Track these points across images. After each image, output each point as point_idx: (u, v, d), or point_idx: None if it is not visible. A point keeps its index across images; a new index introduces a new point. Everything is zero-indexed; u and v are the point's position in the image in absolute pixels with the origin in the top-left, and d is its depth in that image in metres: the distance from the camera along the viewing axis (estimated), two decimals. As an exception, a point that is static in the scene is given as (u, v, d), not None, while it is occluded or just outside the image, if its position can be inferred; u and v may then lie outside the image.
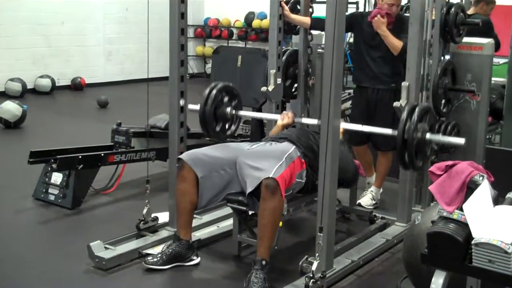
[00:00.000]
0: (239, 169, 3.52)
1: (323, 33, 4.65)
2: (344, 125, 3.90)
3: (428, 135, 3.42)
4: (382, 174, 4.80)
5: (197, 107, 4.08)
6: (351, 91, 4.96)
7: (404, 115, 3.37)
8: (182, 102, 3.91)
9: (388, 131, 3.80)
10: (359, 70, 4.71)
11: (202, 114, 4.04)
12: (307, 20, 4.69)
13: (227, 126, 4.19)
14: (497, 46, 5.37)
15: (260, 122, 5.90)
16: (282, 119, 4.12)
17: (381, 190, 4.85)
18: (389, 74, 4.50)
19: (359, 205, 4.64)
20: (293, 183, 3.54)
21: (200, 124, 4.10)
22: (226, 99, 4.15)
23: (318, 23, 4.66)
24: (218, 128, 4.12)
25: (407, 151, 3.35)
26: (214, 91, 4.05)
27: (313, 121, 4.08)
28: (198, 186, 3.59)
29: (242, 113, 4.24)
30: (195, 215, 3.86)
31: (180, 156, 3.65)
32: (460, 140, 3.48)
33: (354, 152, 4.62)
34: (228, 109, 4.14)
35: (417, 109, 3.37)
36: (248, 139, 5.84)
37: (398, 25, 4.36)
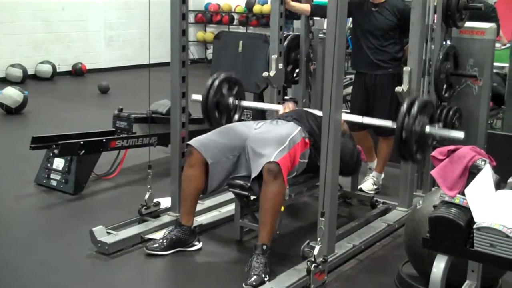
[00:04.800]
0: (247, 153, 3.54)
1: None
2: (345, 117, 3.91)
3: (427, 129, 3.42)
4: (383, 159, 4.80)
5: (199, 97, 4.09)
6: (352, 76, 4.95)
7: (403, 108, 3.38)
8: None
9: (388, 123, 3.81)
10: (356, 56, 4.69)
11: (204, 106, 4.07)
12: (307, 7, 4.68)
13: (230, 116, 4.21)
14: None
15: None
16: (284, 109, 4.14)
17: (383, 175, 4.86)
18: (385, 60, 4.48)
19: (361, 190, 4.65)
20: (297, 165, 3.55)
21: (203, 115, 4.14)
22: (228, 89, 4.16)
23: (318, 10, 4.65)
24: (221, 119, 4.13)
25: (406, 146, 3.36)
26: (216, 82, 4.06)
27: (318, 113, 4.05)
28: (206, 172, 3.60)
29: (244, 103, 4.26)
30: (197, 201, 3.87)
31: (189, 142, 3.65)
32: (459, 134, 3.47)
33: (355, 138, 4.62)
34: (231, 99, 4.16)
35: (416, 103, 3.37)
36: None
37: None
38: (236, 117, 4.25)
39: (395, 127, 3.43)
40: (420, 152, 3.48)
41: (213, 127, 4.23)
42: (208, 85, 4.08)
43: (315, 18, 4.82)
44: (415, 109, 3.36)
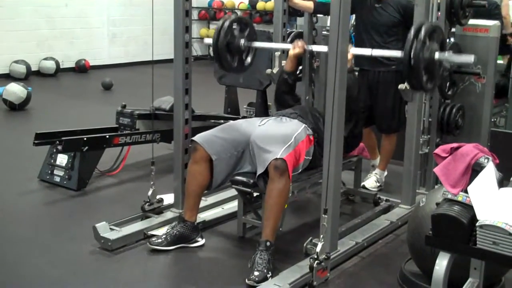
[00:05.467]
0: (252, 149, 3.55)
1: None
2: (354, 50, 3.86)
3: (437, 55, 3.22)
4: (386, 157, 4.80)
5: (210, 40, 4.00)
6: (356, 73, 4.94)
7: (410, 33, 3.19)
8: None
9: (397, 53, 3.60)
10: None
11: (215, 47, 3.94)
12: (310, 4, 4.67)
13: (241, 58, 4.10)
14: None
15: (264, 104, 5.89)
16: (293, 48, 4.10)
17: (386, 172, 4.85)
18: (389, 57, 4.47)
19: (364, 187, 4.65)
20: (302, 162, 3.56)
21: (215, 58, 4.03)
22: (239, 31, 4.04)
23: (321, 7, 4.64)
24: (233, 61, 4.04)
25: (415, 73, 3.20)
26: (226, 24, 3.94)
27: (324, 48, 3.98)
28: (210, 168, 3.60)
29: (256, 44, 4.13)
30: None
31: (194, 138, 3.66)
32: (470, 58, 3.27)
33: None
34: (242, 41, 4.04)
35: (423, 28, 3.18)
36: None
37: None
38: (249, 59, 4.14)
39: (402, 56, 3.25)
40: (430, 81, 3.30)
41: (226, 70, 4.18)
42: (218, 26, 3.95)
43: (318, 15, 4.81)
44: (422, 34, 3.16)
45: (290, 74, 4.17)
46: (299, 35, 4.87)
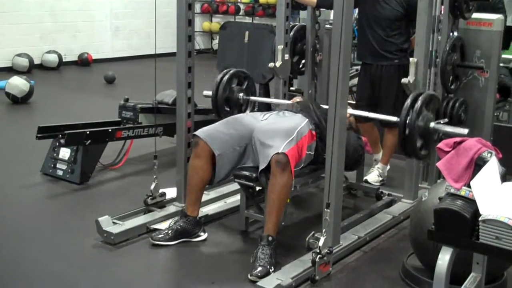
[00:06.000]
0: (254, 145, 3.54)
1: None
2: (351, 111, 3.91)
3: (432, 125, 3.34)
4: (389, 151, 4.79)
5: (210, 93, 4.15)
6: (358, 67, 4.94)
7: (407, 103, 3.32)
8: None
9: (393, 118, 3.75)
10: (362, 47, 4.66)
11: (214, 101, 4.12)
12: None
13: (240, 110, 4.25)
14: None
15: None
16: (292, 106, 4.13)
17: (388, 167, 4.85)
18: (391, 51, 4.46)
19: (366, 181, 4.64)
20: (304, 157, 3.55)
21: (214, 111, 4.18)
22: (237, 84, 4.21)
23: (324, 1, 4.63)
24: (232, 114, 4.13)
25: (409, 142, 3.31)
26: (225, 78, 4.12)
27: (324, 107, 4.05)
28: (212, 163, 3.60)
29: (253, 98, 4.30)
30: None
31: (196, 133, 3.65)
32: (464, 131, 3.33)
33: (361, 129, 4.61)
34: (240, 95, 4.21)
35: (420, 98, 3.31)
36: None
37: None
38: (248, 111, 4.26)
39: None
40: (424, 148, 3.41)
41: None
42: (217, 80, 4.11)
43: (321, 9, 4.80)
44: (419, 104, 3.28)
45: None
46: (302, 29, 4.87)
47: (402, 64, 4.39)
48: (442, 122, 3.43)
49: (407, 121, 3.28)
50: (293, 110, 3.80)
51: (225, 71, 4.18)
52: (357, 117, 4.17)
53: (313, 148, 3.66)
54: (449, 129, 3.43)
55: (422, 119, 3.31)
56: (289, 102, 4.21)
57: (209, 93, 4.19)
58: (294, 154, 3.41)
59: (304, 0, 4.66)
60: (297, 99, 4.22)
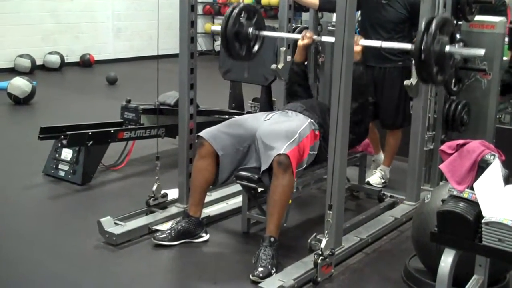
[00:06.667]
0: (257, 145, 3.54)
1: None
2: (363, 42, 3.87)
3: (447, 48, 3.19)
4: (391, 153, 4.79)
5: (218, 28, 4.00)
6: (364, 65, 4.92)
7: (421, 27, 3.18)
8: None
9: (406, 45, 3.66)
10: (365, 49, 4.63)
11: (224, 36, 3.94)
12: (316, 1, 4.65)
13: (249, 46, 4.10)
14: None
15: (269, 99, 5.89)
16: (302, 39, 4.11)
17: (390, 168, 4.84)
18: (395, 53, 4.45)
19: (368, 183, 4.64)
20: (306, 157, 3.55)
21: (223, 47, 4.03)
22: (247, 19, 4.04)
23: (327, 5, 4.63)
24: (241, 49, 4.04)
25: (425, 67, 3.17)
26: (234, 12, 3.95)
27: (331, 39, 3.97)
28: (216, 164, 3.60)
29: (264, 33, 4.13)
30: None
31: (200, 134, 3.65)
32: (480, 51, 3.23)
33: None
34: (250, 29, 4.05)
35: (434, 21, 3.15)
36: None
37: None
38: (256, 47, 4.14)
39: (413, 49, 3.25)
40: (440, 73, 3.26)
41: (234, 59, 4.18)
42: (227, 14, 3.95)
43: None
44: (433, 28, 3.13)
45: (300, 64, 4.21)
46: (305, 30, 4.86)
47: (405, 66, 4.39)
48: (457, 46, 3.31)
49: (423, 46, 3.14)
50: (296, 110, 3.80)
51: (233, 5, 4.03)
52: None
53: (316, 148, 3.65)
54: (465, 50, 3.36)
55: (437, 43, 3.16)
56: (299, 36, 4.15)
57: (218, 28, 4.05)
58: (295, 155, 3.41)
59: (306, 3, 4.66)
60: (307, 33, 4.14)
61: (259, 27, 4.11)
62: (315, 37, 4.18)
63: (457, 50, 3.28)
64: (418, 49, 3.14)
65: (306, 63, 4.86)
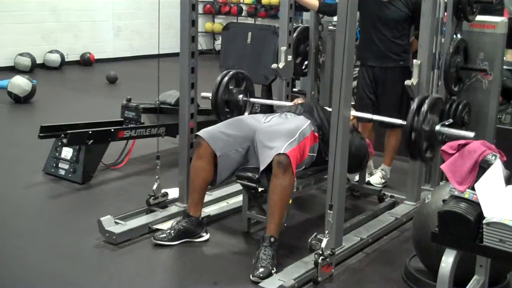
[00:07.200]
0: (256, 146, 3.54)
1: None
2: (354, 113, 3.92)
3: (437, 128, 3.38)
4: (391, 152, 4.78)
5: (209, 94, 4.14)
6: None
7: (412, 107, 3.33)
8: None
9: (397, 121, 3.80)
10: (365, 48, 4.60)
11: (214, 103, 4.11)
12: (315, 2, 4.65)
13: (240, 112, 4.23)
14: None
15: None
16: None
17: (390, 168, 4.84)
18: (397, 52, 4.45)
19: (369, 183, 4.64)
20: (306, 158, 3.54)
21: (213, 111, 4.17)
22: (236, 86, 4.20)
23: (326, 7, 4.64)
24: (232, 116, 4.13)
25: (415, 146, 3.33)
26: (224, 80, 4.11)
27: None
28: (214, 164, 3.60)
29: (253, 100, 4.29)
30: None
31: (198, 133, 3.65)
32: (469, 134, 3.38)
33: (362, 130, 4.60)
34: (240, 96, 4.20)
35: (426, 102, 3.33)
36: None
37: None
38: (247, 113, 4.26)
39: (405, 124, 3.40)
40: (430, 151, 3.44)
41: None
42: (216, 83, 4.11)
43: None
44: (425, 108, 3.31)
45: None
46: (305, 31, 4.87)
47: (406, 66, 4.39)
48: (446, 123, 3.45)
49: (414, 126, 3.29)
50: (295, 112, 3.80)
51: (223, 73, 4.18)
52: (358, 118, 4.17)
53: (316, 150, 3.65)
54: (455, 132, 3.43)
55: (427, 123, 3.33)
56: (291, 103, 4.20)
57: (208, 94, 4.19)
58: (295, 155, 3.41)
59: (307, 3, 4.66)
60: (299, 100, 4.20)
61: (248, 93, 4.28)
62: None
63: (447, 130, 3.42)
64: (409, 128, 3.31)
65: (306, 62, 4.87)
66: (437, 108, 3.42)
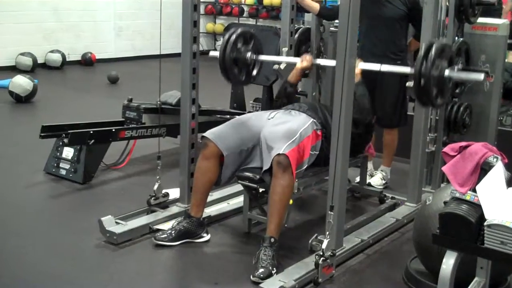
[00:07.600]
0: (261, 145, 3.55)
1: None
2: (362, 65, 3.88)
3: (446, 72, 3.22)
4: (390, 152, 4.78)
5: (217, 53, 3.98)
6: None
7: (420, 54, 3.19)
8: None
9: (406, 69, 3.70)
10: (363, 49, 4.61)
11: (222, 62, 3.92)
12: (316, 5, 4.65)
13: (248, 71, 4.08)
14: None
15: (270, 100, 5.88)
16: (301, 61, 4.08)
17: (390, 168, 4.84)
18: (396, 52, 4.45)
19: (369, 184, 4.64)
20: (307, 158, 3.54)
21: (222, 72, 3.99)
22: (244, 44, 4.02)
23: (326, 11, 4.64)
24: (240, 75, 4.01)
25: (425, 92, 3.19)
26: (231, 38, 3.92)
27: (331, 62, 3.94)
28: (220, 164, 3.60)
29: (262, 57, 4.11)
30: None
31: (205, 134, 3.65)
32: (479, 76, 3.28)
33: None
34: (248, 54, 4.02)
35: (433, 48, 3.17)
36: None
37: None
38: (255, 72, 4.11)
39: (412, 72, 3.25)
40: (440, 97, 3.28)
41: (232, 84, 4.15)
42: (224, 41, 3.93)
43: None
44: (432, 54, 3.15)
45: (294, 86, 4.18)
46: (307, 32, 4.86)
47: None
48: (456, 68, 3.32)
49: (422, 71, 3.15)
50: (299, 110, 3.79)
51: (231, 31, 4.01)
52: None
53: (318, 148, 3.65)
54: (464, 75, 3.37)
55: (436, 68, 3.18)
56: (298, 59, 4.13)
57: (216, 53, 4.02)
58: (295, 155, 3.41)
59: (308, 5, 4.65)
60: (307, 56, 4.11)
61: (256, 51, 4.09)
62: (313, 60, 4.14)
63: (456, 74, 3.28)
64: (418, 74, 3.16)
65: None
66: (446, 53, 3.26)
